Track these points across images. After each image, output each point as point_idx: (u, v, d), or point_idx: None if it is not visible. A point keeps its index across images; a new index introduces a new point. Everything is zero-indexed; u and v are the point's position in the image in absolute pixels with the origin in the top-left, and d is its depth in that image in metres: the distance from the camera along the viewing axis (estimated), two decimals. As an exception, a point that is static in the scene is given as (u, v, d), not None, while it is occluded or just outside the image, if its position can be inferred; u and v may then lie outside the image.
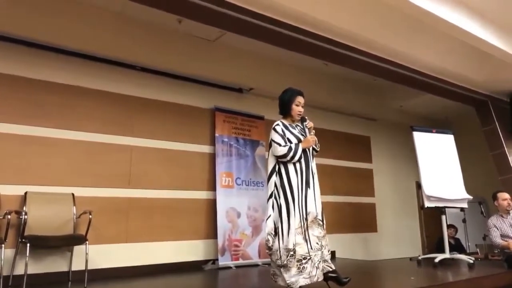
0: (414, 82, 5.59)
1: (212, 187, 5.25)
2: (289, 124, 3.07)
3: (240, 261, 5.10)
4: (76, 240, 3.89)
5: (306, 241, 2.79)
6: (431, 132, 5.64)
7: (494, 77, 5.68)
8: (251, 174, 5.62)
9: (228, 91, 5.76)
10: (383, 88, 6.95)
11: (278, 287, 2.92)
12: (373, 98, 7.14)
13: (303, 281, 2.74)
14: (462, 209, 5.42)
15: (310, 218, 2.85)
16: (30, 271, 3.56)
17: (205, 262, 4.98)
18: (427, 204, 5.04)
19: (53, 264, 4.00)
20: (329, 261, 2.94)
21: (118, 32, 4.61)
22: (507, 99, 6.39)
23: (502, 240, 4.68)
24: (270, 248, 2.84)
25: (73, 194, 4.14)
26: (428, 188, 5.08)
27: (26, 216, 3.70)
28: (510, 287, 4.42)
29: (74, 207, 4.08)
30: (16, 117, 4.08)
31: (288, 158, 2.87)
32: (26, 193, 3.91)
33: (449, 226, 5.79)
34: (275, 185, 2.91)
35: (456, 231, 6.38)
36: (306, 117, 3.16)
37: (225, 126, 5.54)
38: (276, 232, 2.84)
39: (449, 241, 5.28)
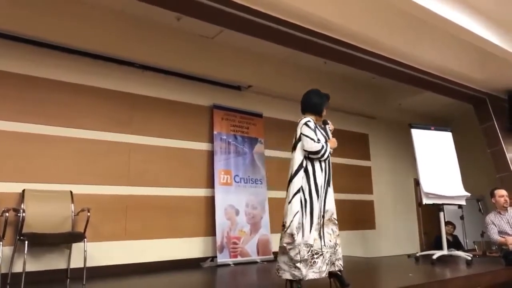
0: (414, 80, 5.60)
1: (211, 184, 5.25)
2: (317, 124, 3.14)
3: (239, 259, 5.10)
4: (74, 237, 3.89)
5: (320, 237, 2.88)
6: (430, 129, 5.64)
7: (493, 75, 5.70)
8: (249, 171, 5.62)
9: (226, 89, 5.75)
10: (382, 86, 6.96)
11: (279, 282, 2.92)
12: (372, 96, 7.15)
13: (312, 275, 2.80)
14: (460, 206, 5.43)
15: (327, 216, 2.95)
16: (29, 268, 3.55)
17: (204, 259, 4.99)
18: (425, 201, 5.05)
19: (51, 262, 4.00)
20: (341, 260, 3.02)
21: (117, 30, 4.60)
22: (505, 96, 6.40)
23: (500, 236, 4.70)
24: (291, 243, 2.83)
25: (71, 192, 4.13)
26: (426, 185, 5.09)
27: (24, 214, 3.69)
28: (508, 283, 4.44)
29: (73, 204, 4.07)
30: (14, 114, 4.07)
31: (319, 155, 2.94)
32: (24, 190, 3.90)
33: (447, 223, 5.80)
34: (302, 182, 2.93)
35: (454, 228, 6.40)
36: (328, 120, 3.27)
37: (224, 123, 5.54)
38: (299, 227, 2.85)
39: (447, 238, 5.29)
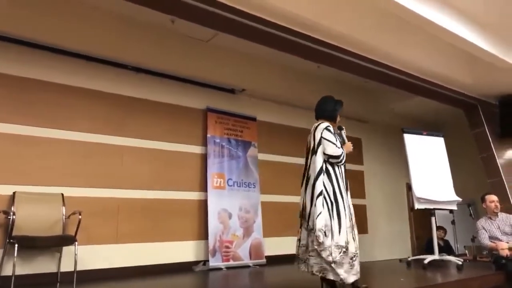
0: (405, 85, 5.64)
1: (204, 188, 5.24)
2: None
3: (231, 262, 5.09)
4: (65, 240, 3.85)
5: (353, 239, 2.97)
6: (422, 134, 5.68)
7: (483, 80, 5.75)
8: (243, 175, 5.62)
9: (220, 92, 5.75)
10: (375, 90, 7.00)
11: (270, 286, 2.92)
12: (365, 100, 7.19)
13: (352, 277, 2.89)
14: (451, 211, 5.47)
15: (353, 219, 3.05)
16: (18, 272, 3.52)
17: (196, 263, 4.97)
18: (417, 205, 5.08)
19: (41, 265, 3.96)
20: None
21: (110, 31, 4.59)
22: (496, 102, 6.47)
23: (491, 241, 4.74)
24: (320, 244, 2.87)
25: (62, 194, 4.10)
26: (418, 190, 5.12)
27: (14, 216, 3.65)
28: (498, 288, 4.48)
29: (64, 207, 4.04)
30: (5, 115, 4.03)
31: (339, 159, 3.03)
32: (14, 192, 3.86)
33: (438, 228, 5.85)
34: (324, 184, 2.98)
35: (445, 232, 6.44)
36: (343, 126, 3.34)
37: (217, 126, 5.53)
38: (327, 229, 2.89)
39: (438, 243, 5.32)
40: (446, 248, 6.20)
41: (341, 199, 2.98)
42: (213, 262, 4.93)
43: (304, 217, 3.08)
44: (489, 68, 5.26)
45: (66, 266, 3.91)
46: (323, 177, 2.99)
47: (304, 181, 3.17)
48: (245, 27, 3.92)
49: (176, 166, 5.08)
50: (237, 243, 5.25)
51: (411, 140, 5.47)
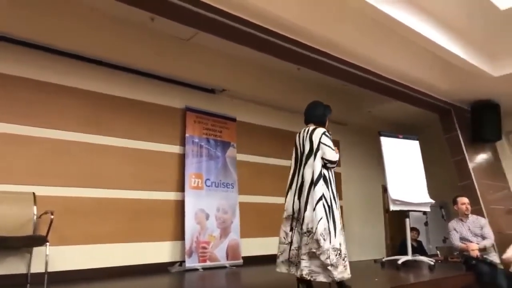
0: (383, 89, 5.74)
1: (181, 188, 5.18)
2: None
3: (208, 263, 5.06)
4: (35, 241, 3.74)
5: (344, 241, 3.08)
6: (398, 137, 5.79)
7: (458, 86, 5.92)
8: (221, 175, 5.59)
9: (200, 92, 5.71)
10: (353, 94, 7.09)
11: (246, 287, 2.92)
12: (344, 103, 7.27)
13: (346, 277, 3.00)
14: (424, 213, 5.60)
15: (342, 222, 3.15)
16: (-14, 273, 3.39)
17: (172, 264, 4.91)
18: (392, 207, 5.17)
19: (11, 266, 3.83)
20: None
21: (88, 28, 4.47)
22: (468, 108, 6.68)
23: (461, 243, 4.88)
24: (319, 248, 2.92)
25: (34, 193, 3.98)
26: (394, 192, 5.21)
27: (-18, 216, 3.52)
28: (467, 288, 4.62)
29: (35, 206, 3.92)
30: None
31: (335, 165, 3.14)
32: (-17, 191, 3.72)
33: (412, 229, 5.97)
34: (323, 189, 3.04)
35: (419, 233, 6.59)
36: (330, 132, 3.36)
37: (196, 126, 5.49)
38: (326, 233, 2.95)
39: (411, 244, 5.43)
40: (419, 248, 6.34)
41: (335, 203, 3.08)
42: (190, 263, 4.88)
43: (298, 220, 3.10)
44: (464, 74, 5.41)
45: (37, 267, 3.79)
46: (322, 182, 3.05)
47: (295, 185, 3.20)
48: (226, 27, 3.90)
49: (153, 166, 5.01)
50: (214, 244, 5.22)
51: (387, 143, 5.57)
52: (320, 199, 3.00)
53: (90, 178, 4.50)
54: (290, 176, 3.31)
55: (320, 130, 3.19)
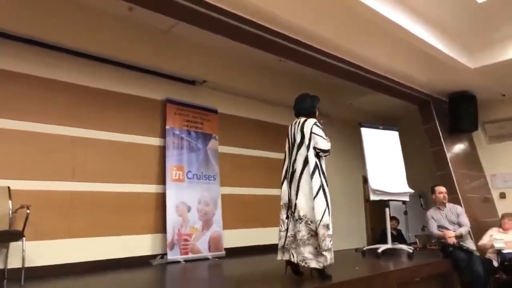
0: (363, 81, 5.79)
1: (162, 180, 5.13)
2: None
3: (190, 255, 5.04)
4: (11, 236, 3.65)
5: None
6: (378, 128, 5.87)
7: (436, 78, 6.02)
8: (202, 167, 5.56)
9: (180, 83, 5.64)
10: (335, 85, 7.12)
11: (230, 278, 2.91)
12: (325, 95, 7.26)
13: (330, 261, 3.13)
14: (404, 202, 5.71)
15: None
16: (-40, 270, 3.30)
17: (153, 257, 4.88)
18: (373, 197, 5.25)
19: (-14, 262, 3.73)
20: None
21: (65, 19, 4.33)
22: (446, 99, 6.80)
23: (439, 230, 5.00)
24: (318, 234, 3.05)
25: (9, 188, 3.88)
26: (374, 182, 5.29)
27: (-46, 211, 3.41)
28: (445, 274, 4.75)
29: (10, 201, 3.82)
30: None
31: (328, 153, 3.25)
32: (-45, 186, 3.61)
33: (391, 218, 6.08)
34: (320, 178, 3.16)
35: (398, 222, 6.72)
36: (322, 121, 3.45)
37: (177, 118, 5.43)
38: (330, 222, 3.13)
39: (391, 232, 5.54)
40: (399, 237, 6.47)
41: (328, 191, 3.19)
42: (171, 256, 4.86)
43: (291, 208, 3.23)
44: (442, 66, 5.50)
45: (14, 262, 3.70)
46: (317, 172, 3.15)
47: (288, 174, 3.30)
48: (206, 17, 3.85)
49: (133, 159, 4.94)
50: (196, 236, 5.21)
51: (368, 134, 5.64)
52: (319, 188, 3.12)
53: (68, 172, 4.40)
54: (284, 166, 3.40)
55: (311, 121, 3.27)
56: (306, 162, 3.17)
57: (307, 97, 3.48)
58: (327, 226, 3.07)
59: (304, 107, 3.44)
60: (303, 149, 3.21)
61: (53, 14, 4.25)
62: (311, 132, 3.21)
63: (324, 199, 3.11)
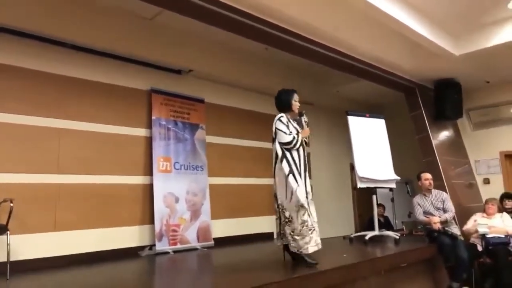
0: (349, 68, 5.79)
1: (149, 172, 5.08)
2: (290, 118, 3.59)
3: (178, 246, 5.03)
4: (-5, 230, 3.58)
5: (309, 215, 3.33)
6: (365, 116, 5.90)
7: (421, 65, 6.04)
8: (190, 158, 5.52)
9: (166, 72, 5.55)
10: (320, 74, 7.12)
11: (218, 268, 2.92)
12: (311, 83, 7.30)
13: (312, 248, 3.30)
14: (390, 189, 5.78)
15: (309, 197, 3.42)
16: None
17: (142, 248, 4.85)
18: (360, 185, 5.30)
19: (-31, 257, 3.66)
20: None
21: (46, 6, 4.20)
22: (432, 86, 6.86)
23: (425, 216, 5.08)
24: (292, 218, 3.32)
25: (-8, 181, 3.80)
26: (361, 170, 5.34)
27: None
28: (431, 259, 4.84)
29: (-7, 194, 3.74)
30: None
31: (291, 145, 3.39)
32: None
33: (378, 205, 6.16)
34: (292, 166, 3.36)
35: (384, 209, 6.81)
36: (304, 112, 3.67)
37: (163, 108, 5.36)
38: (299, 204, 3.29)
39: (378, 219, 5.62)
40: (386, 224, 6.57)
41: (300, 181, 3.34)
42: (160, 246, 4.85)
43: (275, 196, 3.48)
44: (427, 53, 5.52)
45: (-1, 257, 3.65)
46: (284, 161, 3.37)
47: (272, 168, 3.54)
48: (191, 5, 3.78)
49: (119, 150, 4.87)
50: (185, 227, 5.20)
51: (354, 122, 5.67)
52: (289, 173, 3.33)
53: (53, 164, 4.33)
54: None
55: (277, 117, 3.53)
56: (276, 155, 3.43)
57: (281, 93, 3.67)
58: (297, 210, 3.27)
59: (278, 103, 3.66)
60: (273, 143, 3.49)
61: (35, 3, 4.13)
62: (275, 128, 3.47)
63: (294, 183, 3.29)
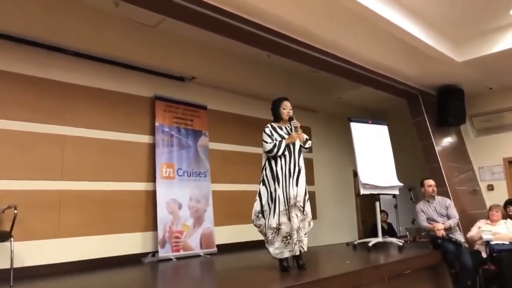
0: (352, 75, 5.79)
1: (152, 178, 5.10)
2: (278, 126, 3.68)
3: (181, 253, 5.03)
4: (-1, 236, 3.59)
5: (289, 220, 3.39)
6: (367, 123, 5.90)
7: (423, 72, 6.05)
8: (193, 164, 5.53)
9: (169, 79, 5.59)
10: (323, 80, 7.14)
11: (221, 276, 2.91)
12: (314, 90, 7.31)
13: (288, 253, 3.45)
14: (394, 196, 5.76)
15: (291, 202, 3.41)
16: None
17: (145, 255, 4.85)
18: (363, 191, 5.29)
19: (-26, 264, 3.67)
20: (304, 242, 3.52)
21: (49, 13, 4.26)
22: (434, 93, 6.86)
23: (428, 223, 5.06)
24: (258, 226, 3.55)
25: (-4, 188, 3.82)
26: (364, 176, 5.33)
27: None
28: (435, 266, 4.81)
29: (-3, 201, 3.76)
30: None
31: (273, 153, 3.50)
32: None
33: (381, 212, 6.14)
34: (265, 175, 3.57)
35: (387, 215, 6.77)
36: (293, 117, 3.70)
37: (166, 115, 5.39)
38: (261, 213, 3.52)
39: (382, 226, 5.59)
40: (389, 230, 6.53)
41: (277, 187, 3.44)
42: (163, 253, 4.84)
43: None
44: (429, 60, 5.53)
45: (2, 263, 3.65)
46: (264, 171, 3.59)
47: None
48: (194, 12, 3.81)
49: (122, 156, 4.89)
50: (188, 233, 5.19)
51: (357, 128, 5.67)
52: (260, 183, 3.58)
53: (56, 170, 4.35)
54: None
55: (264, 128, 3.66)
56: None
57: (272, 103, 3.78)
58: (257, 217, 3.53)
59: (272, 112, 3.79)
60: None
61: (39, 11, 4.17)
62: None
63: (265, 190, 3.52)
